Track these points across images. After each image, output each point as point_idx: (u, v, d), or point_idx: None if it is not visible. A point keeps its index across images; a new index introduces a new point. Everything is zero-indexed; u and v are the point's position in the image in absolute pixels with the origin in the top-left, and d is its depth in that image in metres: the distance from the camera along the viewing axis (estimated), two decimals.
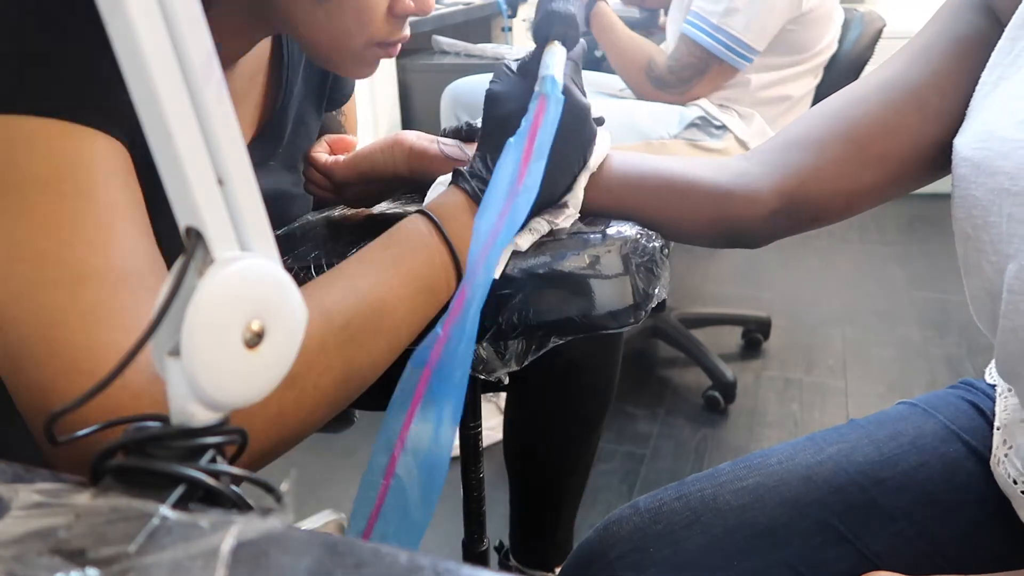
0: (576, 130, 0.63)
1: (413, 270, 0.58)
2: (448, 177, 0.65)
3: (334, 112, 0.87)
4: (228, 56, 0.68)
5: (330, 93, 0.86)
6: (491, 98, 0.64)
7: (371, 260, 0.57)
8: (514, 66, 0.65)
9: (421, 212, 0.60)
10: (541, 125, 0.58)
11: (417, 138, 0.70)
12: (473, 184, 0.61)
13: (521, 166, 0.57)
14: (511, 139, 0.59)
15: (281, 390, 0.50)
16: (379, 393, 0.61)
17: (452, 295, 0.59)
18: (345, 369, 0.54)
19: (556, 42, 0.63)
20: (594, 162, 0.65)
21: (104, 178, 0.50)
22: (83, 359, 0.45)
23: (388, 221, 0.73)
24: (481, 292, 0.55)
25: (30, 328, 0.46)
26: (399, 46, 0.67)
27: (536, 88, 0.60)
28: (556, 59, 0.61)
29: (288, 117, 0.78)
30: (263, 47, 0.75)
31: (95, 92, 0.50)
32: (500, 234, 0.56)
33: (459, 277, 0.60)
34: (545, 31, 0.63)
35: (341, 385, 0.54)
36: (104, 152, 0.50)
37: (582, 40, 0.66)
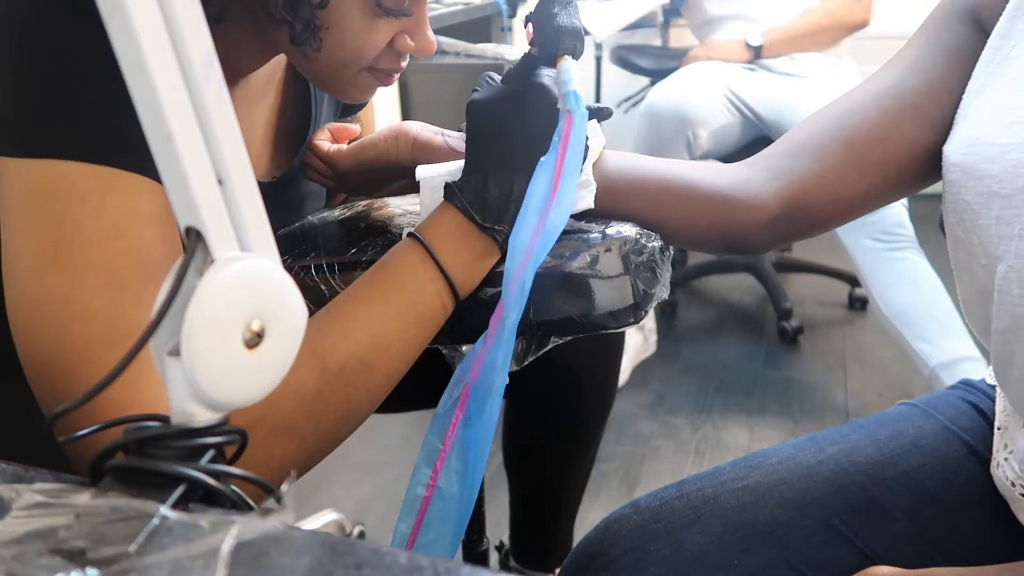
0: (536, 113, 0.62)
1: (405, 301, 0.59)
2: (429, 170, 0.65)
3: (349, 119, 0.87)
4: (243, 69, 0.68)
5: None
6: (474, 108, 0.63)
7: (363, 299, 0.58)
8: (497, 76, 0.65)
9: (412, 236, 0.60)
10: (570, 141, 0.58)
11: (421, 129, 0.70)
12: (464, 198, 0.60)
13: (554, 183, 0.58)
14: (543, 158, 0.59)
15: (282, 441, 0.52)
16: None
17: (448, 316, 0.61)
18: (344, 410, 0.56)
19: (567, 56, 0.62)
20: (593, 151, 0.65)
21: (150, 232, 0.52)
22: (99, 411, 0.46)
23: (388, 223, 0.73)
24: (518, 309, 0.56)
25: (80, 382, 0.49)
26: (395, 76, 0.67)
27: (559, 105, 0.60)
28: (572, 74, 0.61)
29: (320, 120, 0.79)
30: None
31: (136, 138, 0.52)
32: (535, 251, 0.56)
33: (455, 299, 0.60)
34: (555, 46, 0.62)
35: (341, 425, 0.56)
36: (148, 202, 0.52)
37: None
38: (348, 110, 0.87)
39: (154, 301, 0.51)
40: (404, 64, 0.66)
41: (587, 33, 1.83)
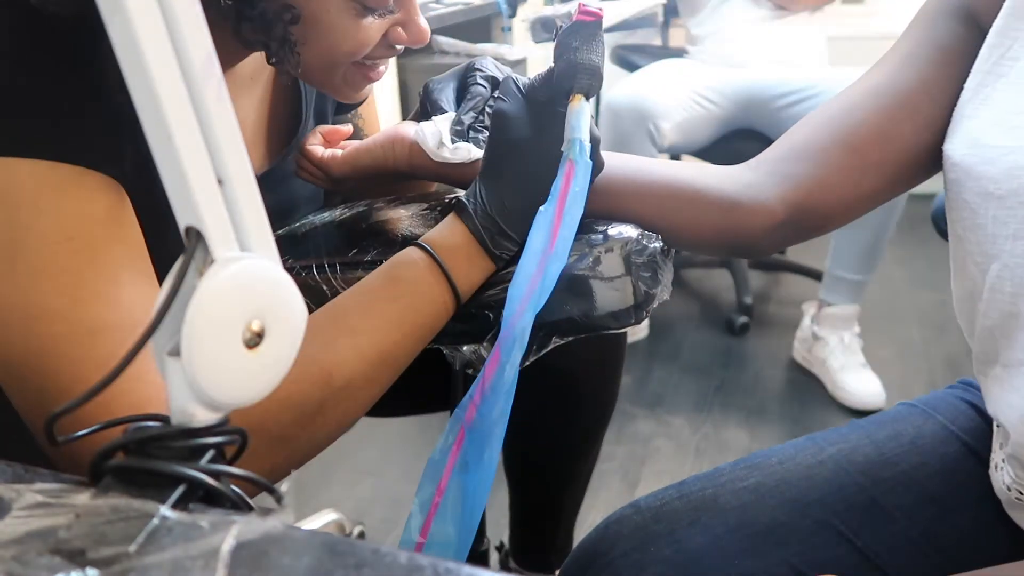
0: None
1: (418, 322, 0.59)
2: (432, 129, 0.66)
3: (350, 115, 0.87)
4: (225, 61, 0.68)
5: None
6: (500, 118, 0.61)
7: (376, 315, 0.58)
8: (522, 85, 0.63)
9: (427, 252, 0.60)
10: (569, 193, 0.58)
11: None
12: (477, 222, 0.60)
13: (552, 233, 0.58)
14: (542, 207, 0.59)
15: (276, 450, 0.53)
16: (380, 402, 0.61)
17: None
18: (340, 422, 0.57)
19: (580, 96, 0.60)
20: None
21: (106, 230, 0.52)
22: (100, 411, 0.46)
23: (389, 224, 0.73)
24: (515, 357, 0.56)
25: (50, 380, 0.50)
26: (383, 70, 0.67)
27: (563, 150, 0.59)
28: (582, 119, 0.59)
29: (310, 119, 0.78)
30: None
31: (84, 133, 0.52)
32: (531, 300, 0.57)
33: (456, 310, 0.61)
34: (568, 84, 0.59)
35: (334, 434, 0.57)
36: (101, 202, 0.52)
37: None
38: (343, 108, 0.87)
39: (121, 297, 0.52)
40: (395, 52, 0.66)
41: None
